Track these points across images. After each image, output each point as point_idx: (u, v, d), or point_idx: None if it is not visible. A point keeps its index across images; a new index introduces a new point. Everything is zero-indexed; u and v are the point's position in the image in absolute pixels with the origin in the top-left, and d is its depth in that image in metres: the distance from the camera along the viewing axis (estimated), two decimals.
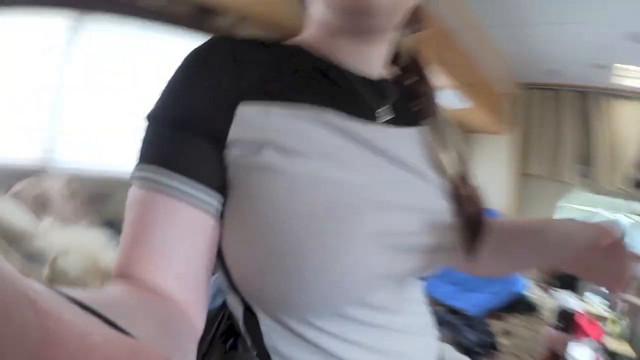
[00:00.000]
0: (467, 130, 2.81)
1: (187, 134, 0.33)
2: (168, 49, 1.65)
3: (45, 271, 0.67)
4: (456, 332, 1.43)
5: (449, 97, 2.22)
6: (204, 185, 0.33)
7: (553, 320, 1.96)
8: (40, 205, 1.12)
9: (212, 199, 0.33)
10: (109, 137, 1.60)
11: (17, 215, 0.70)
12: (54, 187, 1.25)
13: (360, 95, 0.40)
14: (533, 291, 2.07)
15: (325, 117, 0.36)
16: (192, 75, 0.35)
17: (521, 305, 1.76)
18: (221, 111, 0.34)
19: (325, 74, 0.39)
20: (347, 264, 0.31)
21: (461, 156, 0.44)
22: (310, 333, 0.34)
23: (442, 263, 0.40)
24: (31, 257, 0.67)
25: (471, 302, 1.89)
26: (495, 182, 2.62)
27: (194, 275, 0.33)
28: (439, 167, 0.41)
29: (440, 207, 0.40)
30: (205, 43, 0.37)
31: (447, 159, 0.42)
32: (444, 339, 1.35)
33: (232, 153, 0.34)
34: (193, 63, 0.35)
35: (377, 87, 0.42)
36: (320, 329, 0.34)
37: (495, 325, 1.62)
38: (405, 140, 0.40)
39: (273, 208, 0.31)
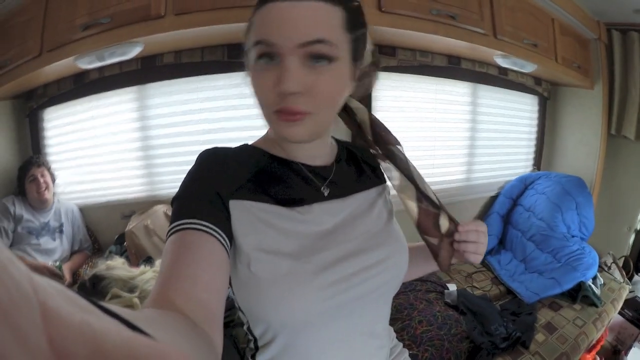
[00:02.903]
0: (552, 84, 2.43)
1: (203, 202, 0.45)
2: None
3: (136, 293, 0.92)
4: (484, 325, 1.40)
5: (509, 65, 1.96)
6: (219, 228, 0.44)
7: (624, 311, 1.77)
8: (150, 232, 1.50)
9: (226, 239, 0.44)
10: None
11: (124, 268, 1.02)
12: (159, 212, 1.61)
13: (303, 183, 0.54)
14: (612, 276, 1.86)
15: (271, 213, 0.50)
16: (198, 174, 0.49)
17: (583, 297, 1.63)
18: (218, 203, 0.47)
19: (277, 172, 0.53)
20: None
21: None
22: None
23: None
24: (131, 291, 0.95)
25: (527, 286, 1.79)
26: (582, 142, 2.28)
27: (213, 300, 0.39)
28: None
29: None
30: (202, 156, 0.52)
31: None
32: (463, 333, 1.32)
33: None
34: (198, 167, 0.51)
35: (319, 173, 0.56)
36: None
37: (546, 316, 1.56)
38: (334, 211, 0.55)
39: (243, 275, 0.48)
